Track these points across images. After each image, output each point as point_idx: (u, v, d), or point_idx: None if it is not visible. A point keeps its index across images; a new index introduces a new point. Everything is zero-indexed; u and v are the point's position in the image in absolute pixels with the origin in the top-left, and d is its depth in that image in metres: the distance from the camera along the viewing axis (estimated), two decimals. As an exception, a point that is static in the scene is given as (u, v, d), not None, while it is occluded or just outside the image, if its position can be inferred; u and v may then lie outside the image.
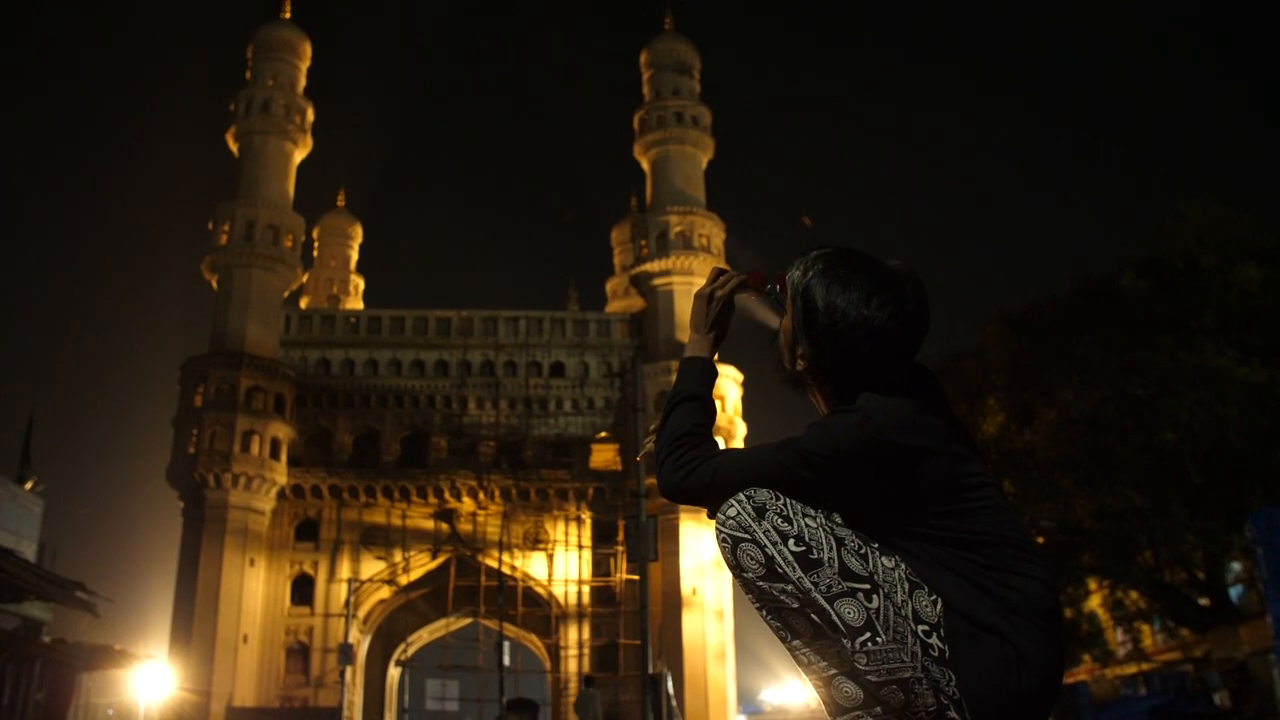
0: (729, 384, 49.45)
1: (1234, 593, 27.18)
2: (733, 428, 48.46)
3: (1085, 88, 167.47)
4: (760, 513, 1.90)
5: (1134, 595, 27.46)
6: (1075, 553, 24.89)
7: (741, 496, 1.92)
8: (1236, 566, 26.79)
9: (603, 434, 50.74)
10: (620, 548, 46.05)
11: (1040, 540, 25.62)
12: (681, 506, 45.22)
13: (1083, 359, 23.26)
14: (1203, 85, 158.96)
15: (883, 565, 1.90)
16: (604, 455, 50.35)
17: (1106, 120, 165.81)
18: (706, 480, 1.99)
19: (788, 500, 1.92)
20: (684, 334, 50.09)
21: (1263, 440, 21.04)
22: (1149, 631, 34.76)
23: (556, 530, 48.83)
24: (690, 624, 45.93)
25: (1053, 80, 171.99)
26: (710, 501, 1.98)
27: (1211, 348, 21.53)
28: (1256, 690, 23.22)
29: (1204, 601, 25.97)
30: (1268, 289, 21.50)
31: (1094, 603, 30.52)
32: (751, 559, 1.89)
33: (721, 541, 1.93)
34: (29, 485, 24.29)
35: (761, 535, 1.88)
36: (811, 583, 1.85)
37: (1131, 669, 32.51)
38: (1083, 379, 23.16)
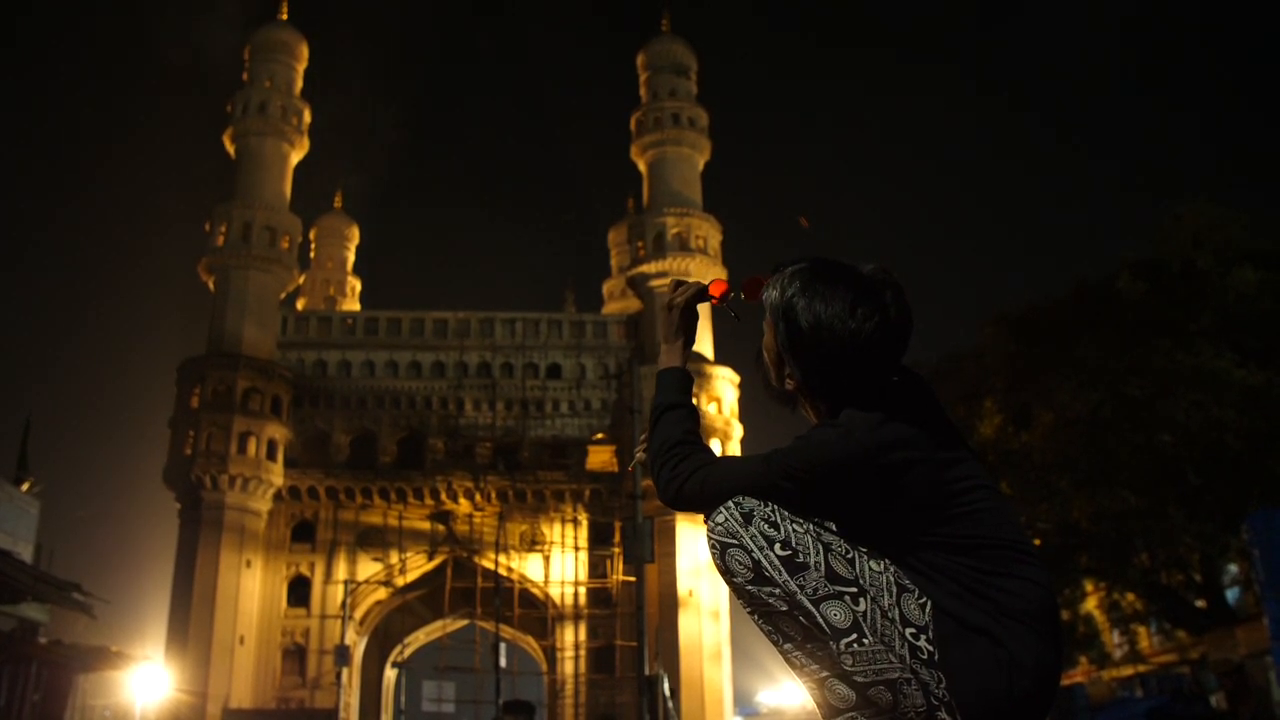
0: (726, 385, 49.45)
1: (1231, 595, 27.21)
2: (729, 429, 48.49)
3: (1084, 89, 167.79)
4: (747, 518, 1.92)
5: (1131, 597, 27.47)
6: (1072, 554, 24.90)
7: (730, 503, 1.94)
8: (1233, 568, 26.82)
9: (599, 435, 50.75)
10: (617, 549, 46.08)
11: (1037, 542, 25.63)
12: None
13: (1080, 361, 23.26)
14: (1201, 87, 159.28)
15: (870, 569, 1.91)
16: (601, 457, 50.35)
17: (1105, 121, 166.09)
18: (697, 490, 2.01)
19: (775, 506, 1.93)
20: (681, 335, 49.95)
21: (1260, 442, 21.06)
22: (1146, 633, 34.81)
23: (553, 532, 48.83)
24: (686, 625, 45.93)
25: (1051, 81, 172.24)
26: (703, 510, 2.00)
27: (1209, 350, 21.54)
28: (1253, 692, 23.26)
29: (1200, 603, 26.00)
30: (1265, 291, 21.52)
31: (1090, 604, 30.52)
32: (740, 563, 1.90)
33: (711, 547, 1.95)
34: (26, 486, 24.22)
35: (748, 540, 1.90)
36: (797, 585, 1.86)
37: (1128, 671, 32.54)
38: (1080, 381, 23.16)
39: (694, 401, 2.23)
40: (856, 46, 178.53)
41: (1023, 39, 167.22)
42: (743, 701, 55.73)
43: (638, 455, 2.28)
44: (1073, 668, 33.80)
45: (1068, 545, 24.80)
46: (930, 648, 1.86)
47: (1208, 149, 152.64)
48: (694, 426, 2.14)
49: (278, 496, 47.53)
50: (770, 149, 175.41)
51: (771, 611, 1.90)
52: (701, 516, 2.16)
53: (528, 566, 48.54)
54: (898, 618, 1.87)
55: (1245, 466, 21.40)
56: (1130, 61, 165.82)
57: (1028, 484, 24.26)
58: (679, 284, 2.32)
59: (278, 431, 47.36)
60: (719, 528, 1.93)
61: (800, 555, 1.88)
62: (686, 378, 2.25)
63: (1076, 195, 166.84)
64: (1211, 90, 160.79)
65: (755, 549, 1.89)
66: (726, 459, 2.05)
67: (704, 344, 50.83)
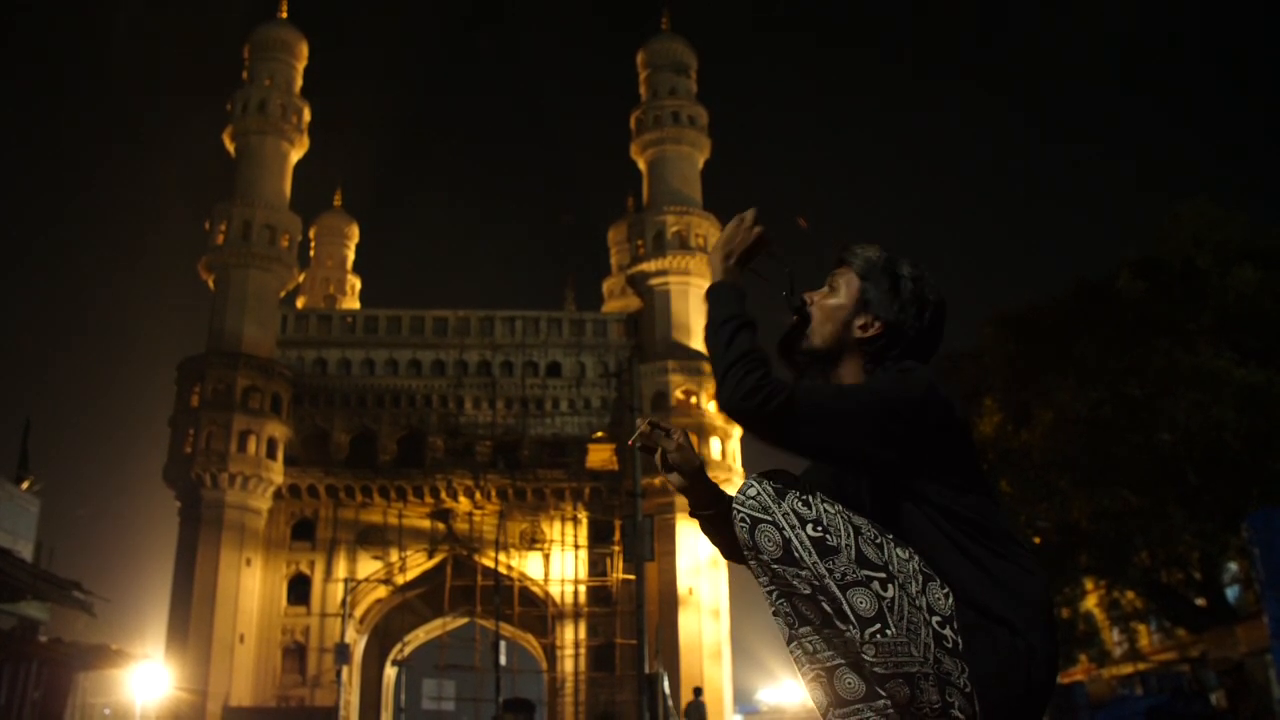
0: (726, 384, 49.33)
1: (1230, 593, 27.23)
2: (729, 427, 48.44)
3: (1082, 89, 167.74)
4: (780, 494, 1.92)
5: (1130, 595, 27.50)
6: (1072, 553, 24.91)
7: (761, 477, 1.95)
8: (1233, 567, 26.83)
9: (599, 434, 50.74)
10: (617, 547, 46.07)
11: (1037, 540, 25.67)
12: (678, 505, 45.34)
13: (1080, 360, 23.27)
14: (1200, 86, 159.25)
15: (898, 556, 1.92)
16: (600, 455, 50.34)
17: (1104, 121, 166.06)
18: (784, 408, 1.93)
19: (808, 483, 1.95)
20: (681, 334, 50.12)
21: (1259, 441, 21.06)
22: (1145, 632, 34.86)
23: (553, 530, 48.84)
24: (686, 623, 45.94)
25: (1050, 81, 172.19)
26: (782, 430, 1.95)
27: (1208, 349, 21.56)
28: (1253, 690, 23.28)
29: (1200, 602, 26.01)
30: (1264, 290, 21.52)
31: (1090, 603, 30.55)
32: (769, 540, 1.90)
33: (740, 521, 1.94)
34: (26, 485, 24.24)
35: (780, 517, 1.90)
36: (826, 569, 1.87)
37: (1128, 669, 32.56)
38: (1080, 380, 23.17)
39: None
40: (856, 46, 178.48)
41: (1021, 40, 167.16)
42: (743, 700, 55.71)
43: (641, 425, 2.26)
44: (1073, 666, 33.80)
45: (1068, 544, 24.81)
46: (955, 636, 1.88)
47: (1208, 149, 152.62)
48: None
49: (278, 495, 47.52)
50: (770, 147, 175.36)
51: (793, 593, 1.91)
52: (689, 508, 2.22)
53: (528, 565, 48.54)
54: (924, 606, 1.89)
55: (1245, 465, 21.41)
56: (1131, 61, 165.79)
57: (1027, 483, 24.28)
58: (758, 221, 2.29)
59: (278, 430, 47.36)
60: (750, 501, 1.93)
61: (831, 538, 1.88)
62: (744, 296, 2.22)
63: (1074, 195, 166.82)
64: (1212, 90, 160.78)
65: (787, 527, 1.89)
66: (812, 385, 2.08)
67: (704, 343, 50.77)
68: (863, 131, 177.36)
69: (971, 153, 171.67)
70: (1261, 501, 20.02)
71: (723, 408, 1.99)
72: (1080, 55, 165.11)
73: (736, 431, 48.99)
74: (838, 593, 1.85)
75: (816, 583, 1.87)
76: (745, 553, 1.97)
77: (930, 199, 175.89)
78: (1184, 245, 23.38)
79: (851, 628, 1.84)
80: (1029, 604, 1.93)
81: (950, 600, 1.91)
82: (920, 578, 1.92)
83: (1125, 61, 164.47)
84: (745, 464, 48.61)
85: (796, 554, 1.88)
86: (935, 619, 1.88)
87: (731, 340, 2.03)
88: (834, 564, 1.87)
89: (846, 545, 1.88)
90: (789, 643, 2.00)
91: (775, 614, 2.00)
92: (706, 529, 2.24)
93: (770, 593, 1.96)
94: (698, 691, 26.91)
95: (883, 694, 1.87)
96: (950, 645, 1.87)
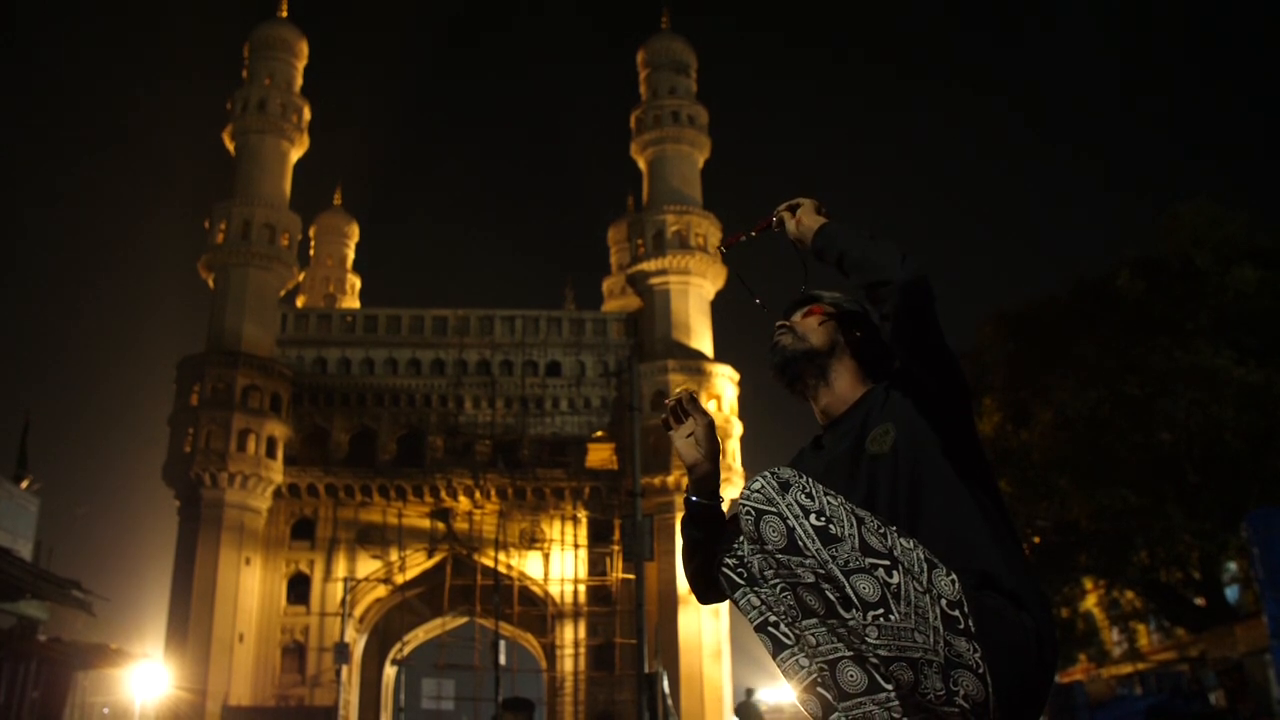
0: (725, 383, 49.44)
1: (1230, 593, 27.21)
2: (729, 426, 48.45)
3: (1081, 89, 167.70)
4: (784, 487, 1.97)
5: (1130, 595, 27.51)
6: (1071, 553, 24.92)
7: (767, 473, 2.01)
8: (1233, 566, 26.83)
9: (599, 433, 50.72)
10: (616, 547, 46.06)
11: (1036, 540, 25.68)
12: (678, 505, 45.25)
13: (1079, 359, 23.27)
14: (1199, 86, 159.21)
15: (901, 545, 1.96)
16: (600, 454, 50.32)
17: (1103, 121, 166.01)
18: (929, 297, 2.12)
19: (810, 479, 2.00)
20: (681, 333, 50.12)
21: (1259, 440, 21.08)
22: (1145, 631, 34.85)
23: (553, 529, 48.82)
24: (686, 623, 45.93)
25: (1049, 82, 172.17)
26: (931, 317, 2.11)
27: (1208, 348, 21.54)
28: (1252, 690, 23.25)
29: (1200, 601, 26.00)
30: (1264, 290, 21.53)
31: (1090, 602, 30.57)
32: (774, 530, 1.94)
33: (745, 515, 1.98)
34: (25, 484, 24.25)
35: (784, 508, 1.95)
36: (830, 555, 1.90)
37: (1127, 669, 32.55)
38: (1079, 379, 23.17)
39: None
40: (855, 48, 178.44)
41: (1020, 41, 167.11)
42: (742, 699, 55.71)
43: (681, 394, 2.34)
44: (1072, 665, 33.81)
45: (1067, 543, 24.82)
46: (966, 618, 1.92)
47: (1207, 149, 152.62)
48: None
49: (277, 494, 47.50)
50: (770, 147, 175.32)
51: (798, 583, 1.94)
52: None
53: (527, 564, 48.52)
54: (932, 590, 1.93)
55: (1244, 464, 21.42)
56: (1129, 60, 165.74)
57: (1027, 482, 24.27)
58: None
59: (277, 429, 47.35)
60: (756, 495, 1.98)
61: (834, 527, 1.93)
62: None
63: (1074, 195, 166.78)
64: (1209, 89, 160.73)
65: (791, 517, 1.94)
66: None
67: (704, 342, 50.87)
68: (862, 131, 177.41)
69: (971, 152, 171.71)
70: (1261, 500, 20.04)
71: (907, 278, 2.10)
72: (1079, 54, 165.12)
73: (736, 431, 49.02)
74: (841, 578, 1.89)
75: (820, 570, 1.90)
76: (749, 546, 2.02)
77: (930, 198, 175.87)
78: (1183, 244, 23.38)
79: (855, 612, 1.87)
80: (1035, 586, 2.02)
81: (957, 586, 1.96)
82: (925, 565, 1.96)
83: (1124, 61, 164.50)
84: (745, 465, 48.61)
85: (800, 542, 1.91)
86: (944, 601, 1.92)
87: (893, 246, 2.19)
88: (837, 551, 1.91)
89: (850, 534, 1.92)
90: (778, 654, 2.03)
91: (759, 629, 2.04)
92: (690, 524, 2.28)
93: (775, 586, 1.99)
94: (749, 692, 27.32)
95: (885, 686, 1.89)
96: (962, 627, 1.91)
